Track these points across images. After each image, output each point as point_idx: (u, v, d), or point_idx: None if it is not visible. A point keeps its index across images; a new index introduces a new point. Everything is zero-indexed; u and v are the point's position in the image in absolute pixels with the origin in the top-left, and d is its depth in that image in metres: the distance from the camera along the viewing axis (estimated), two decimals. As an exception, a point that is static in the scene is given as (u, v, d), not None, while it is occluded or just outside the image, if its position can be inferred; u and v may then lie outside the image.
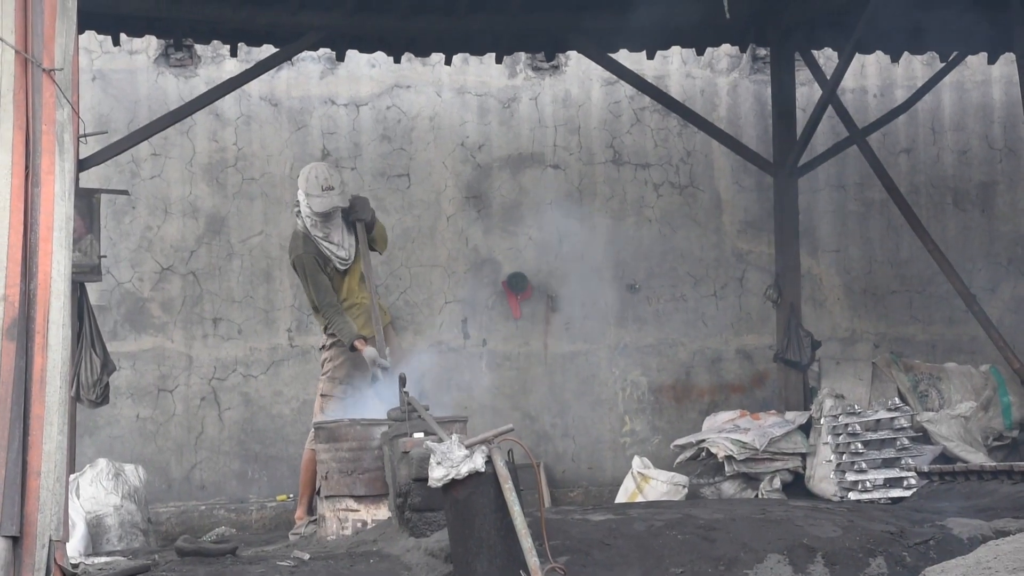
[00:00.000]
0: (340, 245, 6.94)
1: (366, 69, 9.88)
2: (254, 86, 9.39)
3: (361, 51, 9.11)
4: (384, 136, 9.96)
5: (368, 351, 6.78)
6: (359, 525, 6.31)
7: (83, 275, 7.62)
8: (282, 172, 9.82)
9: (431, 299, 9.89)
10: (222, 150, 9.76)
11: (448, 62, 9.46)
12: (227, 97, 8.94)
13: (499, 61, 9.62)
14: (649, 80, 9.35)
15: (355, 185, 9.92)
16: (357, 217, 6.97)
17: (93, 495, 7.39)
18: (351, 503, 6.37)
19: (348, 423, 6.48)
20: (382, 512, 6.27)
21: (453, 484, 5.04)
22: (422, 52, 9.23)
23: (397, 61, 9.37)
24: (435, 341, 9.44)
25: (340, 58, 9.22)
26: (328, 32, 8.56)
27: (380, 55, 9.37)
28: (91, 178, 8.58)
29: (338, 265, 6.96)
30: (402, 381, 6.12)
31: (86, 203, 7.72)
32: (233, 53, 9.07)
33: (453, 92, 10.01)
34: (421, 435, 5.78)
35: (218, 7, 8.26)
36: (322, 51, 9.47)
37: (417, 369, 6.84)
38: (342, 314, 6.93)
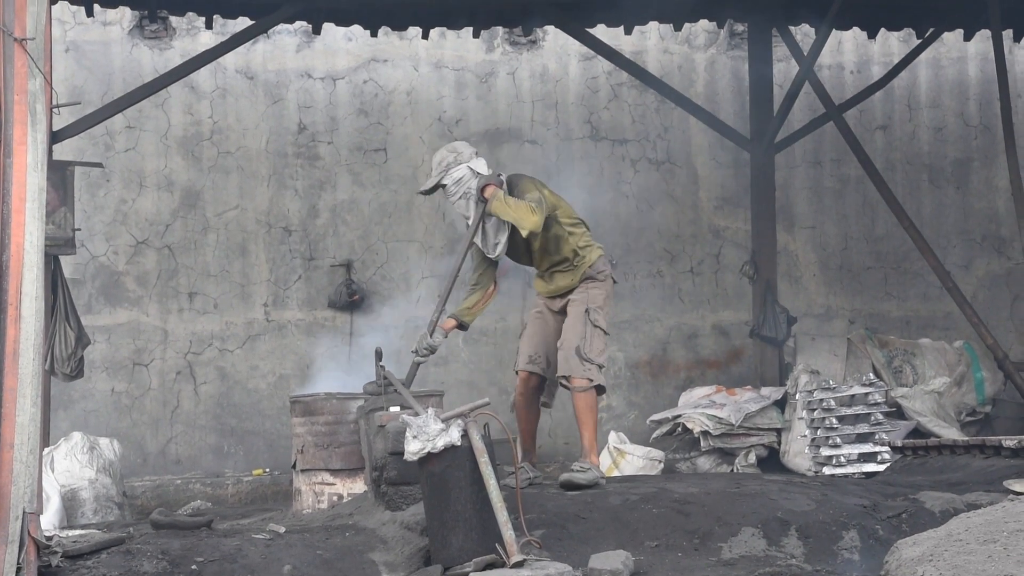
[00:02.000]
0: (477, 232, 6.11)
1: (343, 43, 9.83)
2: (230, 59, 9.32)
3: (337, 24, 9.05)
4: (361, 110, 9.91)
5: (435, 332, 6.19)
6: (335, 499, 6.32)
7: (57, 248, 7.57)
8: (258, 146, 9.76)
9: (408, 274, 9.88)
10: (197, 123, 9.70)
11: (425, 36, 9.42)
12: (202, 70, 8.88)
13: (476, 35, 9.58)
14: (627, 55, 9.33)
15: (332, 158, 9.89)
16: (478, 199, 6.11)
17: (68, 468, 7.36)
18: (327, 476, 6.38)
19: (324, 396, 6.47)
20: (358, 486, 6.27)
21: (429, 458, 5.04)
22: (399, 26, 9.18)
23: (374, 35, 9.32)
24: (411, 316, 9.43)
25: (316, 31, 9.16)
26: (304, 5, 8.49)
27: (357, 28, 9.32)
28: (65, 150, 8.51)
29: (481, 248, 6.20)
30: (378, 355, 6.11)
31: (60, 175, 7.66)
32: (208, 25, 9.00)
33: (430, 66, 9.97)
34: (397, 409, 5.78)
35: (193, -22, 8.19)
36: (298, 24, 9.40)
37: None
38: (472, 288, 6.34)
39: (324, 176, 9.88)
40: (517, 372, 6.21)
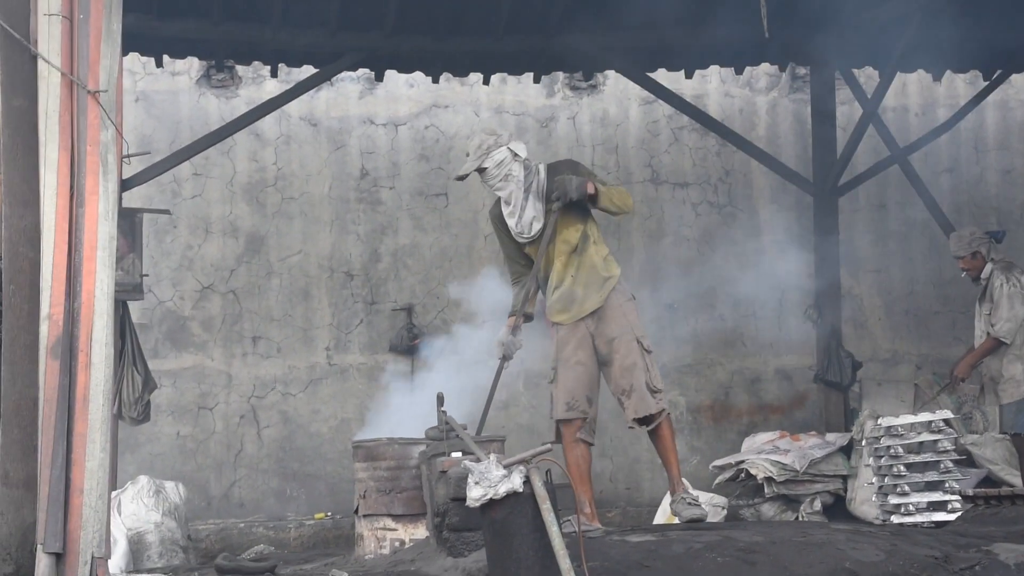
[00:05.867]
0: (515, 215, 6.04)
1: (404, 89, 9.93)
2: (294, 106, 9.46)
3: (399, 71, 9.16)
4: (422, 155, 10.00)
5: (501, 331, 6.21)
6: (397, 544, 6.30)
7: (125, 294, 7.69)
8: (321, 191, 9.87)
9: (469, 318, 9.89)
10: (262, 170, 9.83)
11: (486, 82, 9.49)
12: (267, 117, 9.02)
13: (537, 81, 9.64)
14: (687, 99, 9.34)
15: (393, 204, 9.96)
16: (551, 199, 5.99)
17: (134, 512, 7.43)
18: (389, 522, 6.37)
19: (386, 442, 6.48)
20: (420, 531, 6.26)
21: (491, 504, 5.02)
22: (460, 72, 9.26)
23: (435, 81, 9.41)
24: (475, 360, 9.43)
25: (379, 78, 9.27)
26: (366, 53, 8.61)
27: (418, 75, 9.42)
28: (133, 198, 8.66)
29: (515, 235, 6.12)
30: (440, 400, 6.11)
31: (128, 222, 7.80)
32: (273, 74, 9.15)
33: (491, 111, 10.03)
34: (459, 454, 5.77)
35: (259, 29, 8.34)
36: (361, 71, 9.53)
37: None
38: (514, 285, 6.28)
39: (386, 221, 9.96)
40: (557, 420, 6.04)
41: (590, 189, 5.90)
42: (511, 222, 6.04)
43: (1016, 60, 9.02)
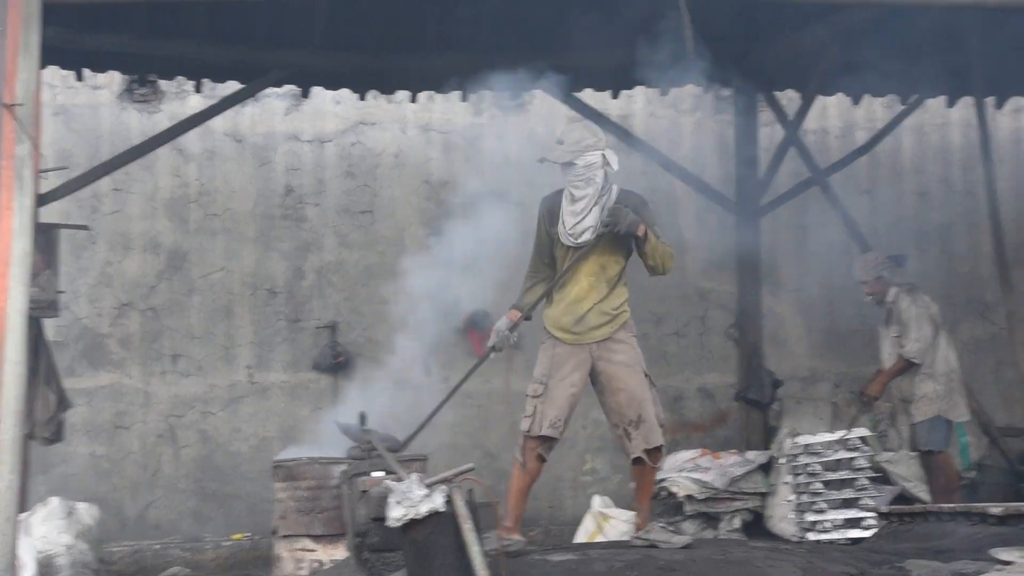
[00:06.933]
0: (576, 216, 5.82)
1: (331, 106, 9.89)
2: (218, 122, 9.36)
3: (326, 88, 9.12)
4: (348, 172, 9.95)
5: (502, 320, 5.98)
6: (316, 565, 6.25)
7: (40, 311, 7.53)
8: (245, 208, 9.78)
9: (393, 336, 9.85)
10: (184, 185, 9.72)
11: (414, 99, 9.48)
12: (190, 133, 8.92)
13: (464, 99, 9.65)
14: (613, 119, 9.41)
15: (319, 220, 9.90)
16: (603, 220, 5.81)
17: (45, 534, 7.27)
18: (308, 543, 6.31)
19: (307, 461, 6.43)
20: (340, 552, 6.21)
21: (412, 524, 5.00)
22: (387, 89, 9.25)
23: (362, 98, 9.39)
24: (397, 378, 9.39)
25: (305, 95, 9.22)
26: (293, 69, 8.56)
27: (345, 92, 9.38)
28: (51, 213, 8.50)
29: (560, 236, 5.89)
30: (362, 419, 6.07)
31: (45, 238, 7.65)
32: (197, 89, 9.05)
33: (418, 129, 10.03)
34: (380, 474, 5.74)
35: (183, 43, 8.25)
36: (287, 87, 9.47)
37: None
38: (526, 281, 6.05)
39: (310, 238, 9.89)
40: (534, 435, 5.79)
41: (640, 231, 5.76)
42: (570, 220, 5.81)
43: (932, 86, 9.23)
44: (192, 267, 9.67)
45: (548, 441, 5.86)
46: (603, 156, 5.81)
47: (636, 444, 5.81)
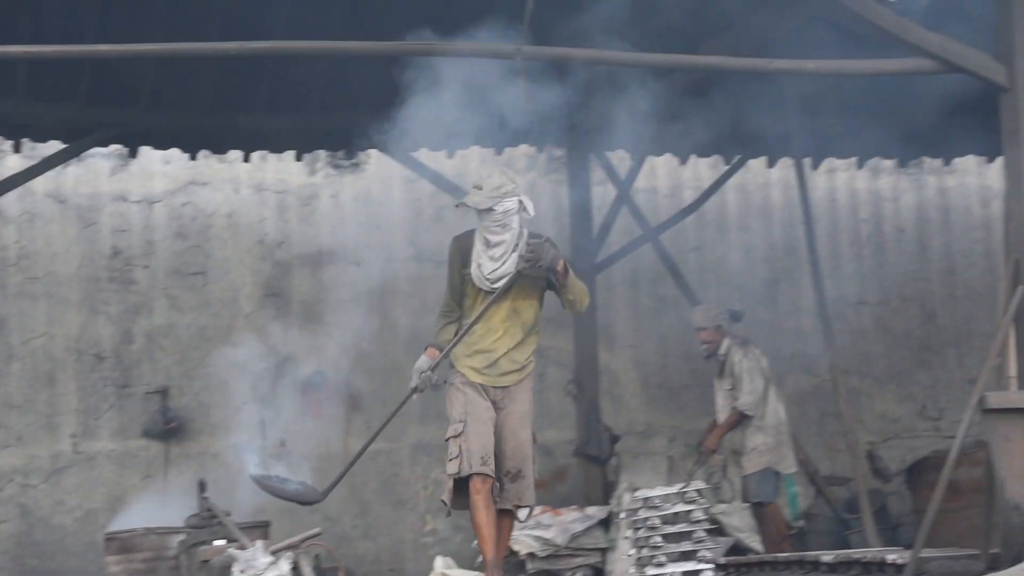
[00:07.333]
0: (495, 262, 5.82)
1: (160, 166, 9.67)
2: (39, 182, 9.07)
3: (155, 148, 8.93)
4: (179, 233, 9.73)
5: (421, 359, 5.91)
6: (153, 642, 6.00)
7: None
8: (68, 271, 9.46)
9: (228, 399, 9.61)
10: (3, 248, 9.36)
11: (247, 159, 9.35)
12: (9, 194, 8.60)
13: (299, 159, 9.57)
14: (449, 178, 9.47)
15: (148, 283, 9.62)
16: (521, 256, 5.77)
17: None
18: (145, 618, 6.06)
19: (142, 532, 6.19)
20: (178, 626, 5.98)
21: (256, 593, 4.86)
22: (219, 149, 9.11)
23: (193, 158, 9.21)
24: (232, 443, 9.16)
25: (132, 154, 9.00)
26: (120, 128, 8.36)
27: (175, 151, 9.19)
28: None
29: (473, 279, 5.87)
30: (201, 486, 5.89)
31: None
32: (16, 149, 8.74)
33: (251, 189, 9.90)
34: (223, 542, 5.56)
35: (1, 101, 7.95)
36: (113, 147, 9.22)
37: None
38: (440, 320, 6.00)
39: (139, 301, 9.61)
40: (465, 475, 5.66)
41: (560, 266, 5.76)
42: (488, 265, 5.79)
43: (753, 147, 9.62)
44: (12, 332, 9.30)
45: (487, 481, 5.70)
46: (519, 202, 5.82)
47: (509, 497, 5.78)
